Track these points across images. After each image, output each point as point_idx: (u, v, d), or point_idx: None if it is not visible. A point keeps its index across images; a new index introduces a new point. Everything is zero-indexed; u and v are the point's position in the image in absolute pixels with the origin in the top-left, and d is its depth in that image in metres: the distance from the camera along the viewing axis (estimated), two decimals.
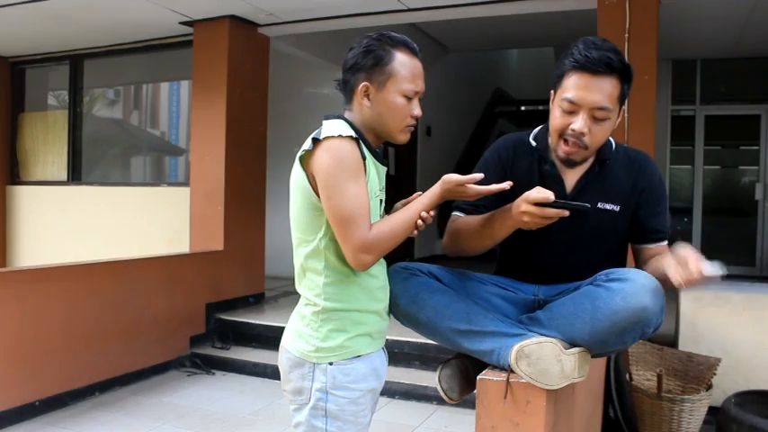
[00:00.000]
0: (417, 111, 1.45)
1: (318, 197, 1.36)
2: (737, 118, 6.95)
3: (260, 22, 5.00)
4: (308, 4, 4.55)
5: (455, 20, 4.95)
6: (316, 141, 1.35)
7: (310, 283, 1.44)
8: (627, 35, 3.79)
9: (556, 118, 1.55)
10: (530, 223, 1.39)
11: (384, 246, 1.37)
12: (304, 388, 1.43)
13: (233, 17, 4.83)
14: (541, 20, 5.21)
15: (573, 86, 1.49)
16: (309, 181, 1.37)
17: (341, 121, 1.41)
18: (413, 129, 1.48)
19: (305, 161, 1.38)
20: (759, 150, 6.68)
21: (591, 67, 1.46)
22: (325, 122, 1.42)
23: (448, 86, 8.52)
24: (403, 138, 1.47)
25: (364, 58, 1.41)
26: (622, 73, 1.49)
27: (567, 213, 1.36)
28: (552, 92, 1.58)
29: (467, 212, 1.66)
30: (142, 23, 5.03)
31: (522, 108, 11.74)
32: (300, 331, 1.45)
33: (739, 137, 7.21)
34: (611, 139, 1.64)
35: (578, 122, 1.49)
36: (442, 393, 1.60)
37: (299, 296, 1.50)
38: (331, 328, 1.42)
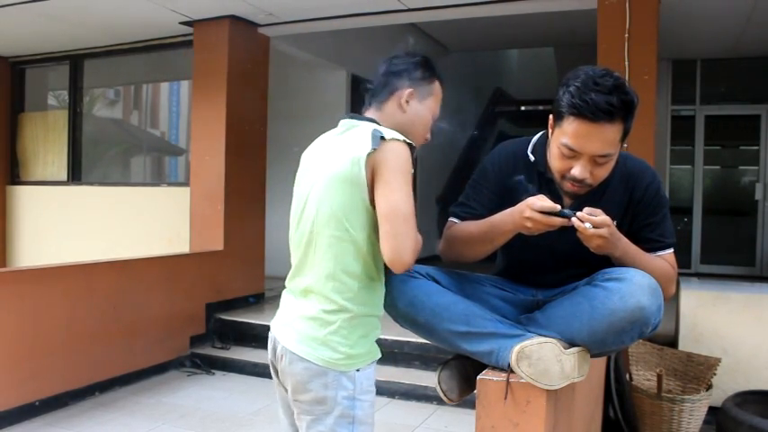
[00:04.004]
0: (429, 134, 1.59)
1: (371, 194, 1.37)
2: (737, 118, 6.94)
3: (260, 22, 5.00)
4: (308, 4, 4.55)
5: (455, 20, 4.95)
6: (382, 140, 1.36)
7: (342, 287, 1.39)
8: (627, 35, 3.79)
9: (555, 158, 1.50)
10: (532, 229, 1.40)
11: (420, 250, 1.39)
12: (327, 397, 1.39)
13: (233, 17, 4.83)
14: (541, 20, 5.22)
15: (572, 133, 1.42)
16: (370, 178, 1.36)
17: (392, 130, 1.42)
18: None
19: (368, 158, 1.36)
20: (759, 150, 6.68)
21: (590, 116, 1.38)
22: (366, 125, 1.43)
23: (448, 86, 8.49)
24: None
25: (416, 70, 1.53)
26: (625, 114, 1.42)
27: (571, 223, 1.36)
28: (551, 118, 1.52)
29: (462, 218, 1.65)
30: (142, 23, 5.03)
31: (522, 108, 11.73)
32: (324, 339, 1.38)
33: (739, 137, 7.20)
34: None
35: (578, 169, 1.45)
36: (441, 394, 1.60)
37: None
38: (360, 335, 1.41)
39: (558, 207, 1.38)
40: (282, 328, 1.47)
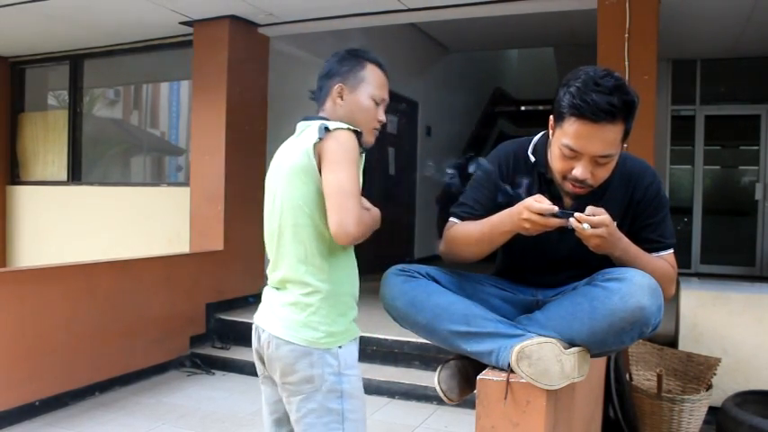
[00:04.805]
0: (382, 116, 1.62)
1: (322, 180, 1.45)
2: (737, 118, 6.94)
3: (260, 22, 5.00)
4: (308, 4, 4.55)
5: (455, 20, 4.95)
6: (326, 131, 1.45)
7: (314, 269, 1.48)
8: (627, 35, 3.78)
9: (556, 159, 1.50)
10: (530, 230, 1.41)
11: (369, 227, 1.48)
12: (314, 375, 1.47)
13: (233, 17, 4.83)
14: (541, 20, 5.21)
15: (573, 134, 1.42)
16: (318, 166, 1.46)
17: (338, 122, 1.51)
18: (378, 133, 1.63)
19: (315, 148, 1.46)
20: (759, 150, 6.68)
21: (591, 116, 1.38)
22: (316, 122, 1.52)
23: (448, 86, 8.52)
24: (370, 139, 1.60)
25: (340, 66, 1.60)
26: (626, 114, 1.42)
27: (568, 224, 1.37)
28: (552, 119, 1.52)
29: (462, 218, 1.66)
30: (142, 23, 5.02)
31: (522, 108, 11.74)
32: (305, 321, 1.48)
33: (739, 137, 7.20)
34: None
35: (580, 170, 1.45)
36: (441, 394, 1.60)
37: None
38: (338, 313, 1.50)
39: (556, 208, 1.38)
40: (266, 317, 1.56)
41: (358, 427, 1.52)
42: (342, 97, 1.57)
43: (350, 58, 1.60)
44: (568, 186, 1.51)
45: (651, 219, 1.59)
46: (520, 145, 1.68)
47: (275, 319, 1.52)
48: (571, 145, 1.44)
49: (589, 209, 1.39)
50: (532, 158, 1.63)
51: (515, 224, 1.44)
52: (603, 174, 1.49)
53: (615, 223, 1.46)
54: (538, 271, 1.68)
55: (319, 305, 1.48)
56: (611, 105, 1.38)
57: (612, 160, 1.48)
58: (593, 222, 1.37)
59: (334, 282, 1.50)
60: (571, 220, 1.37)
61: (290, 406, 1.52)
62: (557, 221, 1.38)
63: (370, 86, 1.59)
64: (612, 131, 1.41)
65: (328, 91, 1.59)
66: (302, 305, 1.48)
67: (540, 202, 1.39)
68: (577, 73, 1.45)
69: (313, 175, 1.46)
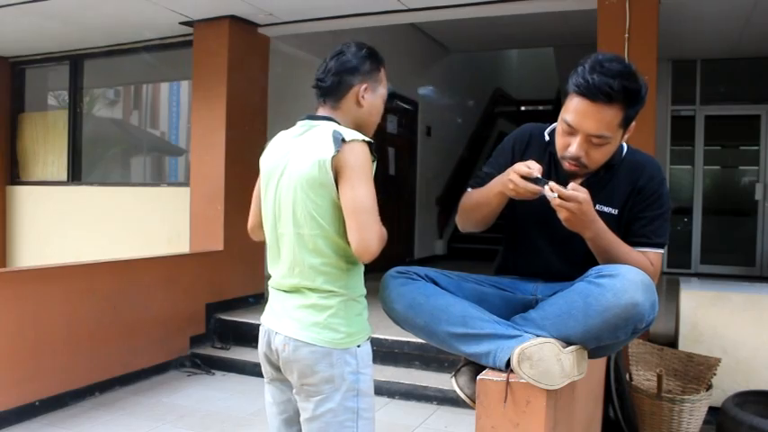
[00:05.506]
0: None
1: (337, 193, 1.46)
2: (737, 118, 6.94)
3: (260, 22, 5.00)
4: (308, 4, 4.55)
5: (455, 20, 4.95)
6: (342, 142, 1.46)
7: (332, 277, 1.51)
8: (627, 35, 3.79)
9: (558, 135, 1.57)
10: (513, 191, 1.47)
11: (385, 241, 1.49)
12: (334, 375, 1.49)
13: (233, 17, 4.83)
14: (541, 20, 5.22)
15: (572, 110, 1.49)
16: (335, 179, 1.47)
17: (349, 129, 1.52)
18: None
19: (332, 161, 1.46)
20: (759, 150, 6.68)
21: (589, 95, 1.45)
22: (325, 126, 1.51)
23: (448, 86, 8.52)
24: (371, 134, 1.63)
25: (364, 64, 1.59)
26: (626, 100, 1.45)
27: (543, 191, 1.42)
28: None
29: (475, 189, 1.74)
30: (142, 23, 5.03)
31: (522, 108, 11.75)
32: (325, 322, 1.49)
33: (739, 137, 7.21)
34: (623, 144, 1.64)
35: (574, 147, 1.51)
36: (467, 400, 1.60)
37: None
38: (355, 314, 1.54)
39: (535, 173, 1.44)
40: (280, 320, 1.55)
41: (370, 425, 1.54)
42: (364, 97, 1.59)
43: (372, 59, 1.62)
44: (566, 165, 1.56)
45: (646, 212, 1.61)
46: (539, 127, 1.75)
47: (292, 322, 1.52)
48: (568, 120, 1.50)
49: (571, 185, 1.43)
50: (547, 138, 1.69)
51: (504, 184, 1.50)
52: (598, 156, 1.52)
53: (616, 212, 1.55)
54: (541, 254, 1.70)
55: (339, 307, 1.50)
56: (609, 87, 1.43)
57: (608, 143, 1.51)
58: (564, 195, 1.40)
59: (350, 286, 1.53)
60: (545, 187, 1.42)
61: (306, 405, 1.52)
62: (533, 187, 1.44)
63: (384, 87, 1.65)
64: (608, 113, 1.46)
65: (350, 88, 1.58)
66: (320, 307, 1.50)
67: (528, 167, 1.45)
68: (590, 55, 1.51)
69: (329, 189, 1.47)
